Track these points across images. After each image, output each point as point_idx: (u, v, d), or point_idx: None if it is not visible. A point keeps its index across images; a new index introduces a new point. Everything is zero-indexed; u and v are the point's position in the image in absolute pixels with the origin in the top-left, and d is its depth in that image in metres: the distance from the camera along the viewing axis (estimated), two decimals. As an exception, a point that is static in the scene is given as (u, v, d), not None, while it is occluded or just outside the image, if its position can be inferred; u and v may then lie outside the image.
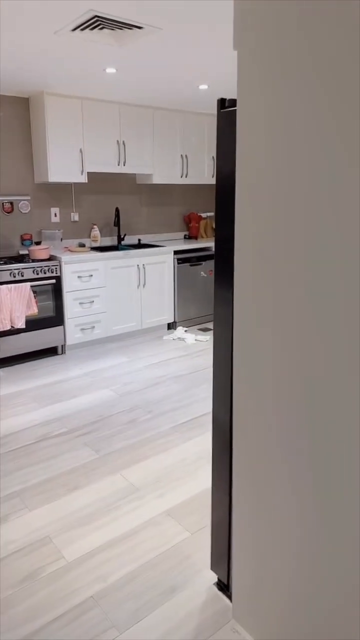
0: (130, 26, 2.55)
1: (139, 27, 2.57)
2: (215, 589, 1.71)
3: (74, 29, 2.60)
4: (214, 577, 1.76)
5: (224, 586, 1.70)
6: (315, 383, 1.16)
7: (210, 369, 3.74)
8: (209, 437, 2.72)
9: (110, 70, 3.42)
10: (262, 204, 1.21)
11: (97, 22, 2.50)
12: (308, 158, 1.08)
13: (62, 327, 4.13)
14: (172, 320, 4.88)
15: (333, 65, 1.00)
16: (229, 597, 1.67)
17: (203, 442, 2.66)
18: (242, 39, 1.21)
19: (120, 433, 2.78)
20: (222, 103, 1.43)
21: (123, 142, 4.54)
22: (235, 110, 1.35)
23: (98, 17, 2.42)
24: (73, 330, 4.20)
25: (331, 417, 1.13)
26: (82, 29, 2.60)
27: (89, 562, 1.82)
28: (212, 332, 4.76)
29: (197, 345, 4.41)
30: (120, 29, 2.60)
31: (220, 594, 1.69)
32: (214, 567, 1.72)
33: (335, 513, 1.17)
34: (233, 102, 1.41)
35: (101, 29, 2.60)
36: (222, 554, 1.67)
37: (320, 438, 1.17)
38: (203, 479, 2.33)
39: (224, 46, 2.93)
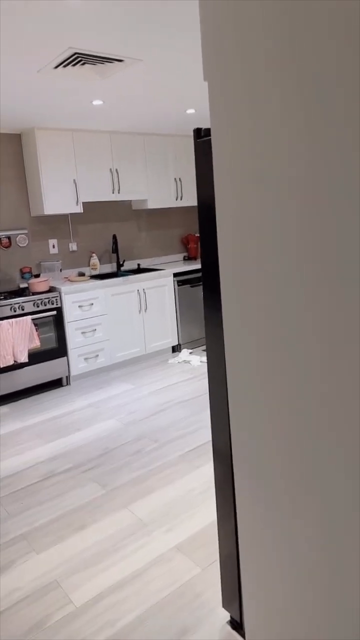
0: (110, 60, 2.59)
1: (120, 60, 2.61)
2: (228, 627, 1.64)
3: (56, 67, 2.64)
4: (227, 616, 1.69)
5: (237, 624, 1.63)
6: (313, 402, 1.12)
7: (217, 391, 3.67)
8: (217, 463, 2.66)
9: (97, 102, 3.46)
10: (239, 229, 1.19)
11: (78, 59, 2.54)
12: (284, 188, 1.06)
13: (65, 358, 4.11)
14: (176, 343, 4.85)
15: (301, 98, 0.98)
16: (243, 635, 1.61)
17: (211, 470, 2.61)
18: (211, 71, 1.20)
19: (126, 465, 2.73)
20: (197, 133, 1.43)
21: (116, 170, 4.58)
22: (211, 139, 1.34)
23: (78, 54, 2.46)
24: (77, 360, 4.18)
25: (333, 439, 1.09)
26: (65, 66, 2.64)
27: (97, 606, 1.77)
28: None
29: (203, 367, 4.37)
30: (102, 63, 2.63)
31: (234, 632, 1.62)
32: (225, 604, 1.66)
33: (346, 539, 1.12)
34: (209, 132, 1.41)
35: (83, 64, 2.63)
36: (233, 591, 1.60)
37: (323, 463, 1.13)
38: (212, 510, 2.27)
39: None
